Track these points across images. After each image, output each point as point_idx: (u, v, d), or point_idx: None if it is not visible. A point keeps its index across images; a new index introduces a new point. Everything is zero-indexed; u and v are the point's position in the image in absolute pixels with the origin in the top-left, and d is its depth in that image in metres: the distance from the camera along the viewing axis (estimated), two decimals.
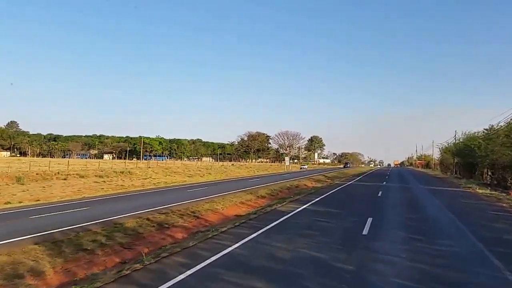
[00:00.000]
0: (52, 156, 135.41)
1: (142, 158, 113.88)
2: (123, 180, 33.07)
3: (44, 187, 25.38)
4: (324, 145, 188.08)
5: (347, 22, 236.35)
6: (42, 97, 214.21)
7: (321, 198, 19.73)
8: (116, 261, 8.55)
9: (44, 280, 7.22)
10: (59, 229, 10.79)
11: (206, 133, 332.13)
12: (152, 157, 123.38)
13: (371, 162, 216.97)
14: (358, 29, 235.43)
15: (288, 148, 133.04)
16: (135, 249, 9.43)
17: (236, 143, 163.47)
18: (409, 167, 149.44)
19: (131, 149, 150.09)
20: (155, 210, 14.55)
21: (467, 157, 43.12)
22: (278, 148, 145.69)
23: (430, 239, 9.47)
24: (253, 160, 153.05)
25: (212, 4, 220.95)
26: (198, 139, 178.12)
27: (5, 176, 26.82)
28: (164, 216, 13.33)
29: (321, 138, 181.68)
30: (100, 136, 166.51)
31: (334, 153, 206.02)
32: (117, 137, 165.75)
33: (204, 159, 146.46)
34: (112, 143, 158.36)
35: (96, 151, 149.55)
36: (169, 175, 41.79)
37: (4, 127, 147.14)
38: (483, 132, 41.54)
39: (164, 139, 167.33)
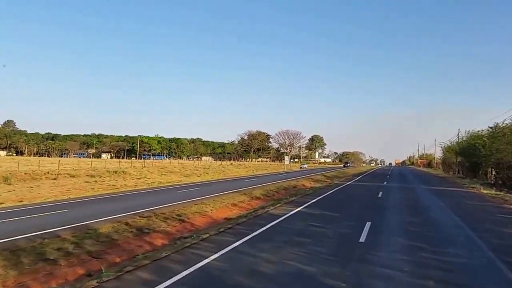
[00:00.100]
0: (49, 155, 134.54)
1: (141, 157, 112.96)
2: (116, 180, 32.10)
3: (32, 187, 24.46)
4: (325, 144, 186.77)
5: (347, 22, 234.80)
6: (42, 97, 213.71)
7: (317, 200, 18.73)
8: (79, 273, 7.57)
9: None
10: (26, 235, 9.82)
11: (206, 133, 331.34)
12: (151, 157, 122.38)
13: (372, 162, 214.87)
14: (358, 29, 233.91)
15: (288, 147, 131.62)
16: (105, 259, 8.45)
17: (236, 142, 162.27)
18: (410, 166, 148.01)
19: (129, 148, 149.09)
20: (138, 213, 13.58)
21: (470, 156, 42.08)
22: (278, 147, 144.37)
23: (434, 248, 8.47)
24: (253, 160, 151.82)
25: (212, 4, 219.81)
26: (198, 138, 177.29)
27: None
28: (145, 220, 12.35)
29: (322, 137, 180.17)
30: (99, 135, 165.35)
31: (335, 152, 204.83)
32: (116, 136, 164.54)
33: (204, 158, 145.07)
34: (110, 142, 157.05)
35: (94, 150, 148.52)
36: (164, 174, 40.82)
37: (0, 126, 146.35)
38: (488, 130, 40.55)
39: (164, 138, 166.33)
